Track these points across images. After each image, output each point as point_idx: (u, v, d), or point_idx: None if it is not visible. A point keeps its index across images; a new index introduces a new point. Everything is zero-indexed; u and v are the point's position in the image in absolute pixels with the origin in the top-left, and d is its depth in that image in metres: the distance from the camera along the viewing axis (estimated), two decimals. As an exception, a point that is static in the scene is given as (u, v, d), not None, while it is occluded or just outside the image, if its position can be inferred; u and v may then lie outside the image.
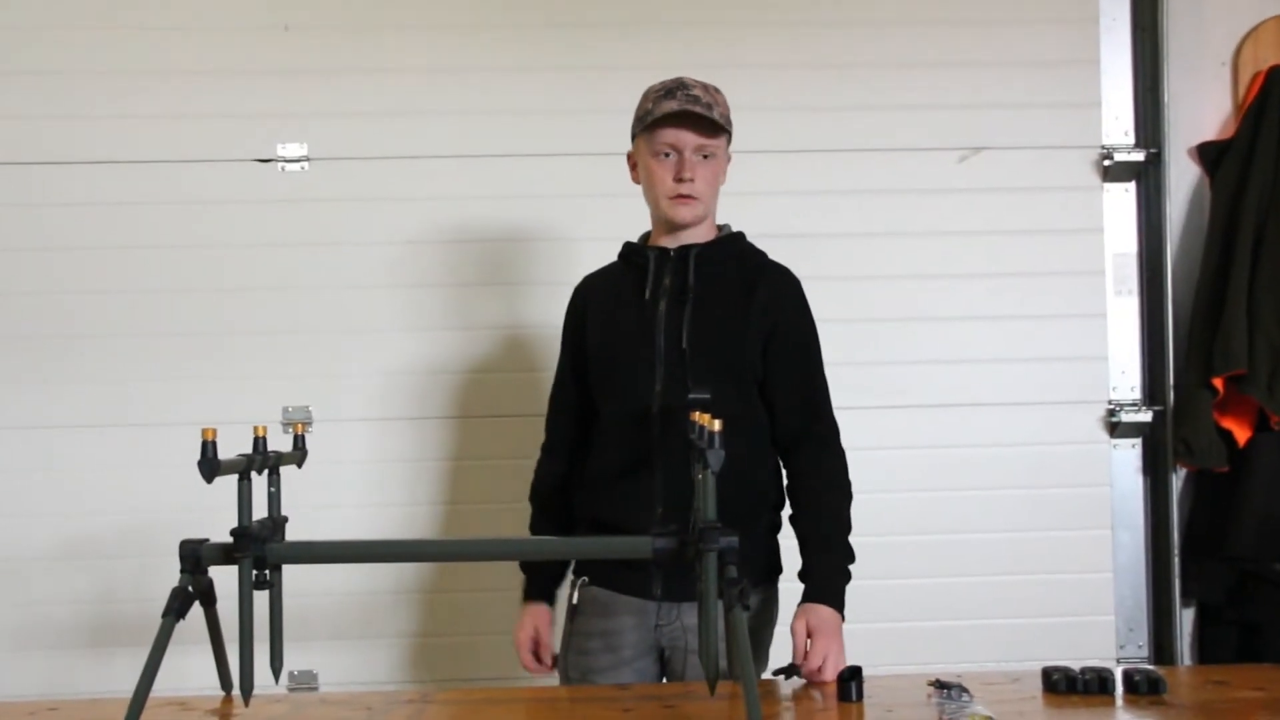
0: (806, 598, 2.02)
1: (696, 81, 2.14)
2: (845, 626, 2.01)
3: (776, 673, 1.93)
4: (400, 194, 3.07)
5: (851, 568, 2.07)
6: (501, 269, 3.08)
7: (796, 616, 2.00)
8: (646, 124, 2.11)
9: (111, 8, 3.05)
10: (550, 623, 2.26)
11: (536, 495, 2.32)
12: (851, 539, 2.08)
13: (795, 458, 2.14)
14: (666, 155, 2.12)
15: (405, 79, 3.09)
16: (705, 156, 2.13)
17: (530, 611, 2.26)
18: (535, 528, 2.30)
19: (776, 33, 3.13)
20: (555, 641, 2.25)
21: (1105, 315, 3.17)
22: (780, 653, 2.11)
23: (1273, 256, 3.02)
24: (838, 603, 2.02)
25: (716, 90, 2.16)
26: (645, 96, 2.16)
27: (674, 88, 2.12)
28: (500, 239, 3.08)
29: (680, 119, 2.09)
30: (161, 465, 2.97)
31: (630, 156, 2.22)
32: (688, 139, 2.11)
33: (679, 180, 2.11)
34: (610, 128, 2.87)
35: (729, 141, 2.18)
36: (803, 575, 2.06)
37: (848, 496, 2.12)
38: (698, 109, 2.08)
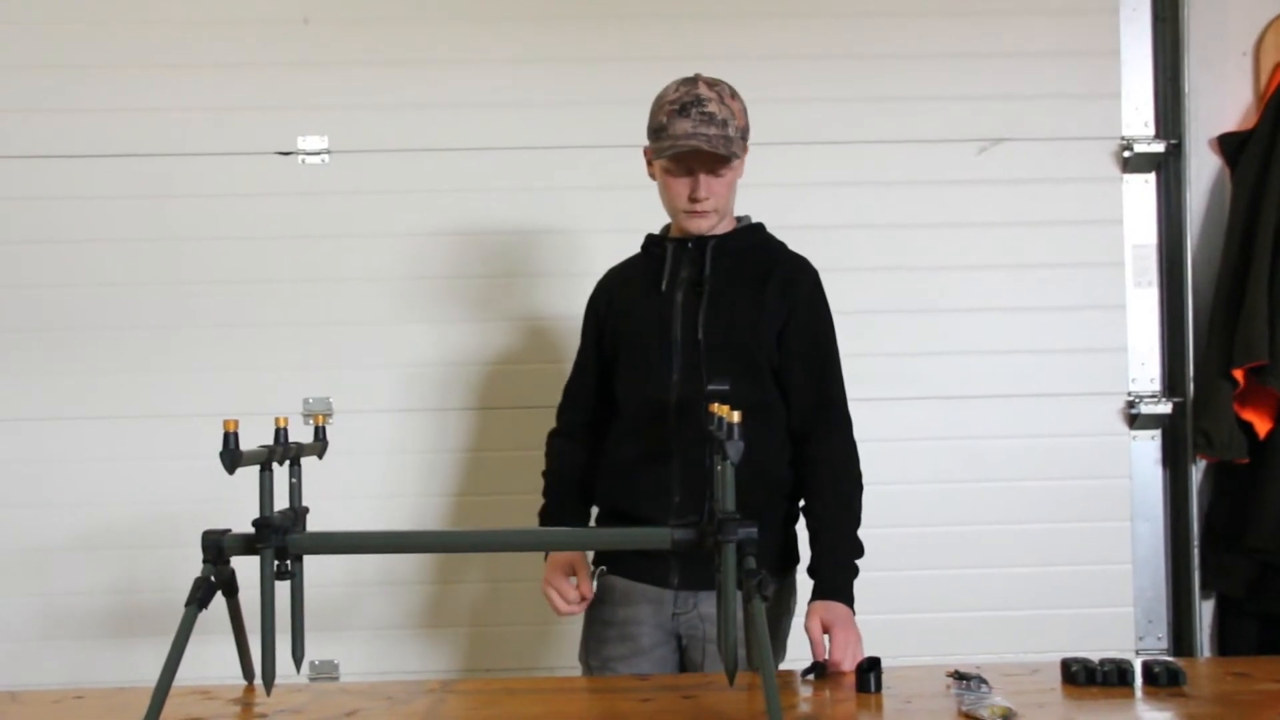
0: (817, 595, 2.03)
1: (711, 90, 2.09)
2: (864, 617, 2.01)
3: (805, 674, 1.93)
4: (420, 186, 3.08)
5: (859, 563, 2.07)
6: (521, 261, 3.09)
7: (810, 615, 2.00)
8: (663, 153, 2.09)
9: (131, 2, 3.07)
10: (584, 557, 2.20)
11: (555, 472, 2.30)
12: (870, 530, 2.09)
13: (808, 448, 2.14)
14: (681, 175, 2.12)
15: (425, 72, 3.09)
16: (719, 174, 2.12)
17: (558, 556, 2.19)
18: (557, 506, 2.26)
19: (792, 24, 3.13)
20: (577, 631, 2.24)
21: (1125, 306, 3.16)
22: (796, 645, 2.12)
23: (1294, 248, 3.01)
24: (848, 598, 2.02)
25: (732, 95, 2.12)
26: (659, 104, 2.12)
27: (689, 103, 2.07)
28: (520, 231, 3.09)
29: (695, 151, 2.07)
30: (184, 456, 2.99)
31: (646, 152, 2.20)
32: (701, 163, 2.10)
33: (693, 200, 2.11)
34: (630, 119, 2.86)
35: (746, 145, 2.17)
36: (812, 571, 2.07)
37: (858, 488, 2.13)
38: (711, 140, 2.05)
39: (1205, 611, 3.12)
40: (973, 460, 3.11)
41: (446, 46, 3.10)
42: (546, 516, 2.28)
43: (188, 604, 1.66)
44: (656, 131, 2.11)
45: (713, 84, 2.11)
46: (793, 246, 2.26)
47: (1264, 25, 3.18)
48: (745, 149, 2.14)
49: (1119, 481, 3.14)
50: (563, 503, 2.26)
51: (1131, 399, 3.13)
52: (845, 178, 3.12)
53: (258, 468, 1.70)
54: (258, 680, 1.81)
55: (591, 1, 3.12)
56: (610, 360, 2.24)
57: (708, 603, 2.08)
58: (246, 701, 1.85)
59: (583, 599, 2.16)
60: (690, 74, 2.14)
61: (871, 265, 3.10)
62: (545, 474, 2.32)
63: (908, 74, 3.13)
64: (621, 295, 2.26)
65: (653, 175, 2.20)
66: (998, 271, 3.13)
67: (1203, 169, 3.18)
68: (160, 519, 3.00)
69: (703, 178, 2.10)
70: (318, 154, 3.07)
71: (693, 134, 2.05)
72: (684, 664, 2.18)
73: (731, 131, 2.08)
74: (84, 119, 3.06)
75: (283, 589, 1.74)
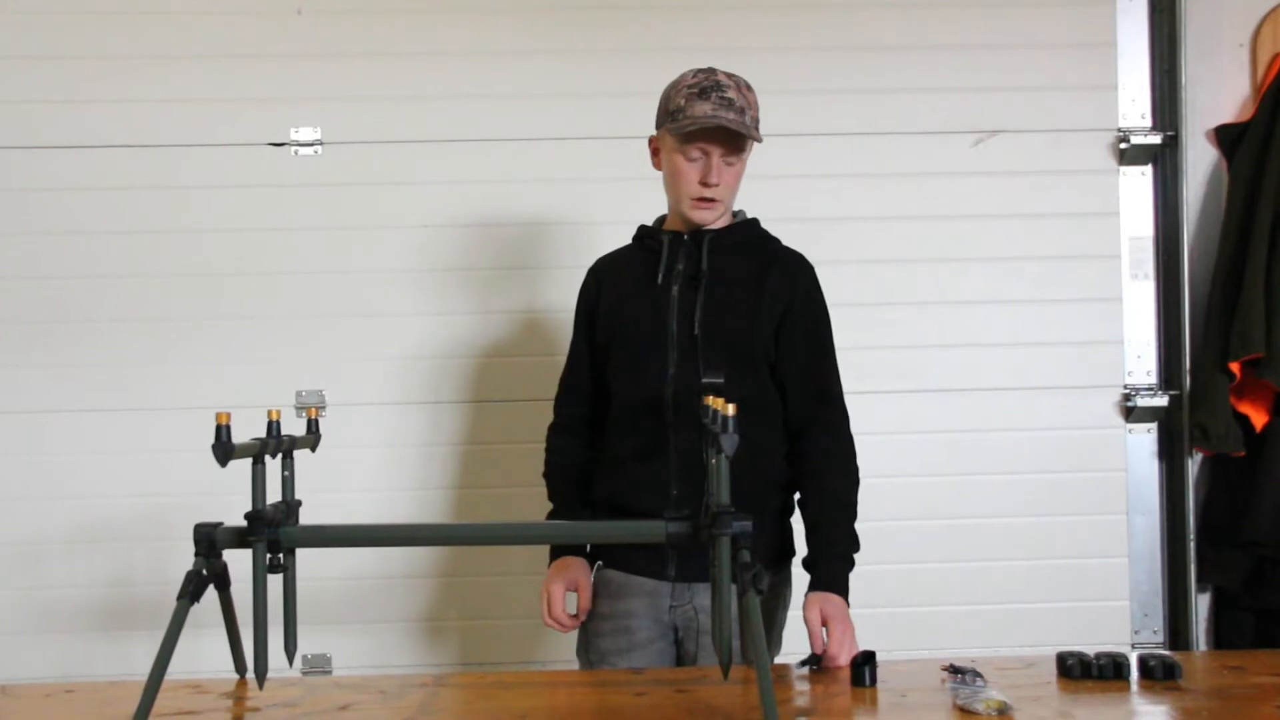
0: (815, 586, 2.02)
1: (729, 79, 2.09)
2: (859, 610, 2.01)
3: (801, 664, 1.93)
4: (413, 178, 3.07)
5: (856, 556, 2.06)
6: (516, 253, 3.08)
7: (809, 606, 1.99)
8: (682, 130, 2.06)
9: (124, -8, 3.06)
10: (589, 573, 2.21)
11: (560, 472, 2.27)
12: (866, 523, 2.08)
13: (804, 442, 2.13)
14: (693, 159, 2.10)
15: (418, 63, 3.08)
16: (731, 163, 2.11)
17: (565, 563, 2.20)
18: (563, 505, 2.24)
19: (789, 16, 3.12)
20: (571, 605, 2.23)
21: (1121, 299, 3.16)
22: (791, 638, 2.11)
23: (1291, 240, 3.01)
24: (844, 591, 2.02)
25: (748, 88, 2.11)
26: (676, 88, 2.11)
27: (708, 87, 2.06)
28: (514, 223, 3.08)
29: (714, 133, 2.06)
30: (176, 449, 2.98)
31: (652, 141, 2.19)
32: (718, 146, 2.09)
33: (704, 184, 2.10)
34: (624, 111, 2.88)
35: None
36: (809, 564, 2.06)
37: (855, 482, 2.12)
38: (732, 122, 2.04)
39: (1201, 605, 3.12)
40: (968, 453, 3.11)
41: (440, 38, 3.09)
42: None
43: (179, 597, 1.65)
44: (673, 113, 2.09)
45: (729, 75, 2.11)
46: (787, 239, 2.25)
47: (1261, 17, 3.18)
48: (758, 139, 2.13)
49: (1115, 475, 3.14)
50: (571, 507, 2.23)
51: (1128, 392, 3.13)
52: (840, 170, 3.11)
53: (250, 460, 1.69)
54: (250, 674, 1.80)
55: (586, -7, 3.12)
56: (603, 351, 2.23)
57: (703, 595, 2.07)
58: (239, 695, 1.85)
59: (574, 617, 2.16)
60: (703, 65, 2.13)
61: (866, 258, 3.09)
62: (547, 476, 2.29)
63: (902, 65, 3.13)
64: (613, 286, 2.24)
65: (657, 165, 2.19)
66: (993, 264, 3.13)
67: (1199, 161, 3.18)
68: (152, 512, 2.99)
69: (716, 163, 2.09)
70: (310, 145, 3.06)
71: (714, 115, 2.04)
72: (679, 656, 2.17)
73: (748, 119, 2.08)
74: (74, 111, 3.05)
75: (275, 582, 1.73)
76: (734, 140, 2.08)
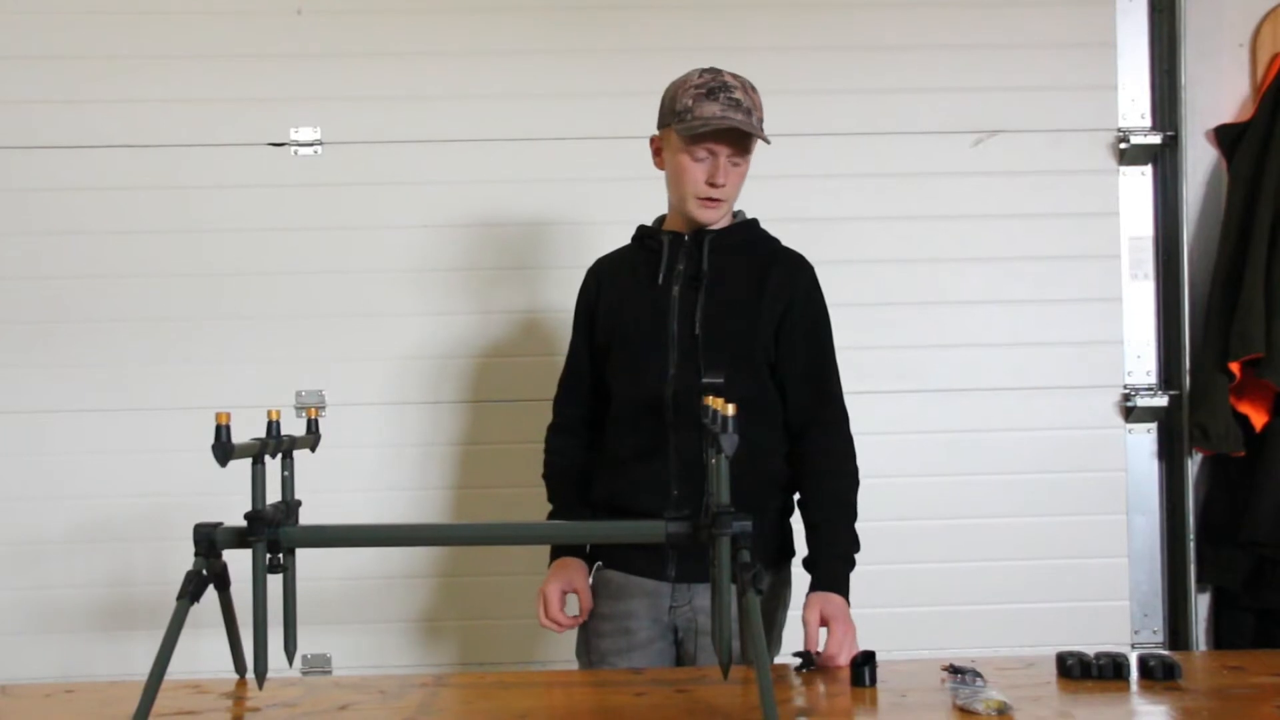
0: (816, 587, 2.02)
1: (735, 79, 2.08)
2: (859, 610, 2.01)
3: (798, 669, 1.92)
4: (413, 178, 3.07)
5: (857, 556, 2.06)
6: (516, 253, 3.08)
7: (808, 607, 1.99)
8: (692, 131, 2.05)
9: (124, -8, 3.06)
10: (587, 575, 2.21)
11: (560, 473, 2.27)
12: (865, 523, 2.08)
13: (804, 442, 2.13)
14: (700, 160, 2.10)
15: (418, 63, 3.08)
16: (737, 163, 2.11)
17: (564, 564, 2.20)
18: (563, 505, 2.24)
19: (789, 15, 3.12)
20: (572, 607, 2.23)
21: (1121, 299, 3.15)
22: (791, 638, 2.11)
23: (1290, 240, 3.00)
24: (845, 591, 2.02)
25: (753, 88, 2.11)
26: (683, 87, 2.10)
27: (716, 88, 2.06)
28: (515, 223, 3.08)
29: (723, 134, 2.06)
30: (176, 449, 2.98)
31: (654, 141, 2.18)
32: (725, 147, 2.08)
33: (711, 184, 2.09)
34: (624, 111, 2.89)
35: None
36: (809, 564, 2.06)
37: (855, 482, 2.12)
38: (742, 123, 2.04)
39: (1201, 605, 3.12)
40: (968, 453, 3.11)
41: (440, 38, 3.09)
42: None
43: (179, 597, 1.65)
44: (680, 114, 2.07)
45: (734, 75, 2.11)
46: (787, 239, 2.25)
47: (1260, 17, 3.18)
48: (767, 141, 2.13)
49: (1115, 475, 3.14)
50: (570, 508, 2.23)
51: (1127, 392, 3.13)
52: (839, 170, 3.11)
53: (250, 460, 1.69)
54: (250, 674, 1.80)
55: (586, -8, 3.12)
56: (602, 352, 2.23)
57: (703, 595, 2.07)
58: (239, 695, 1.85)
59: (573, 617, 2.16)
60: (703, 66, 2.12)
61: (866, 258, 3.09)
62: (547, 477, 2.29)
63: (902, 65, 3.13)
64: (613, 286, 2.24)
65: (659, 165, 2.18)
66: (993, 264, 3.13)
67: (1199, 161, 3.18)
68: (152, 512, 2.99)
69: (723, 163, 2.08)
70: (310, 145, 3.06)
71: (724, 116, 2.04)
72: (679, 657, 2.17)
73: (755, 120, 2.08)
74: (74, 111, 3.05)
75: (275, 582, 1.73)
76: (742, 141, 2.08)
